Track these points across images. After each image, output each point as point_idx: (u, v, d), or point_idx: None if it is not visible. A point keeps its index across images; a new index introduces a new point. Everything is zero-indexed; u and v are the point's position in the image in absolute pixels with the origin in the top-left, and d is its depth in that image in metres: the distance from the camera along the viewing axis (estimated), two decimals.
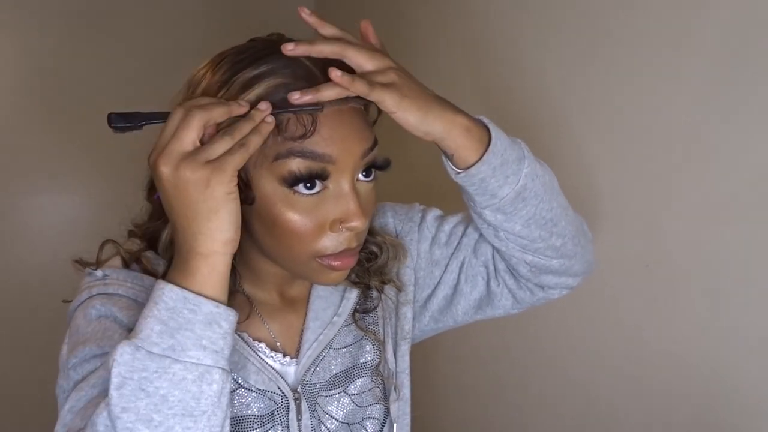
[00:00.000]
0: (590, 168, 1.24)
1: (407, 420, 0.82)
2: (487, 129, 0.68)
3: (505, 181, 0.69)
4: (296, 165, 0.62)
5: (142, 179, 0.72)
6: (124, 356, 0.54)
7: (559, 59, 1.29)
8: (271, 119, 0.60)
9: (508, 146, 0.69)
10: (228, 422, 0.59)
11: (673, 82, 1.09)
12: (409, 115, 0.63)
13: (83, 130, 1.98)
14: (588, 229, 0.83)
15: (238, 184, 0.62)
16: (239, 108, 0.60)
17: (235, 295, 0.69)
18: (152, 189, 0.70)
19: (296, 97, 0.60)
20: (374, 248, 0.78)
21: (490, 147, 0.67)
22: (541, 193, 0.72)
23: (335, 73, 0.59)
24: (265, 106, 0.60)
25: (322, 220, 0.64)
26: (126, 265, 0.69)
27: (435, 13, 1.65)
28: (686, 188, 1.09)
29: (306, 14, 0.64)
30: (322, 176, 0.63)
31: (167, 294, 0.56)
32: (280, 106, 0.61)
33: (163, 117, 0.60)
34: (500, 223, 0.72)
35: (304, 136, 0.61)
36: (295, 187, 0.62)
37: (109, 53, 2.02)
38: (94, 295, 0.66)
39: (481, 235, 0.80)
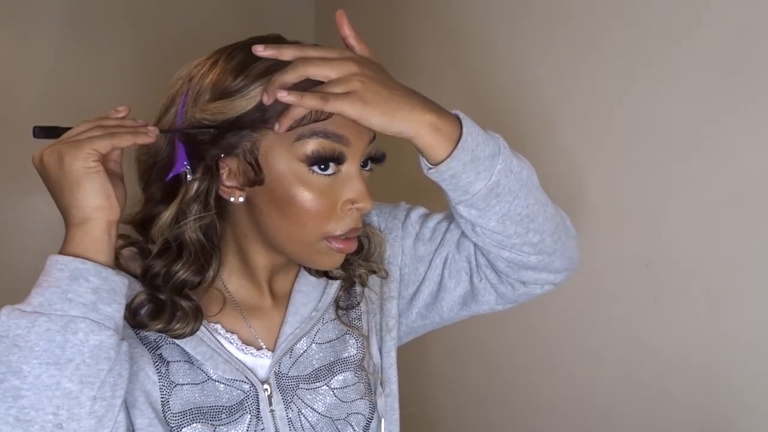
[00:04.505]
0: (590, 167, 1.24)
1: (396, 416, 0.82)
2: (461, 125, 0.69)
3: (477, 177, 0.69)
4: (319, 144, 0.65)
5: (138, 179, 0.74)
6: (1, 318, 0.59)
7: (559, 57, 1.29)
8: (153, 134, 0.65)
9: (480, 142, 0.69)
10: (120, 381, 0.61)
11: (673, 81, 1.09)
12: (373, 119, 0.64)
13: None
14: (571, 225, 0.82)
15: (251, 166, 0.66)
16: (145, 137, 0.65)
17: (209, 289, 0.72)
18: (147, 179, 0.72)
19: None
20: (361, 238, 0.80)
21: (460, 143, 0.67)
22: (515, 189, 0.72)
23: (281, 94, 0.62)
24: (152, 128, 0.66)
25: (334, 200, 0.68)
26: None
27: (423, 9, 1.65)
28: (686, 188, 1.09)
29: (260, 51, 0.66)
30: (340, 159, 0.67)
31: (47, 262, 0.61)
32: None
33: None
34: (475, 218, 0.73)
35: (324, 118, 0.65)
36: (312, 167, 0.66)
37: (108, 50, 2.02)
38: None
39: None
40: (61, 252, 0.62)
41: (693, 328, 1.09)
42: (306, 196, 0.66)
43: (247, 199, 0.69)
